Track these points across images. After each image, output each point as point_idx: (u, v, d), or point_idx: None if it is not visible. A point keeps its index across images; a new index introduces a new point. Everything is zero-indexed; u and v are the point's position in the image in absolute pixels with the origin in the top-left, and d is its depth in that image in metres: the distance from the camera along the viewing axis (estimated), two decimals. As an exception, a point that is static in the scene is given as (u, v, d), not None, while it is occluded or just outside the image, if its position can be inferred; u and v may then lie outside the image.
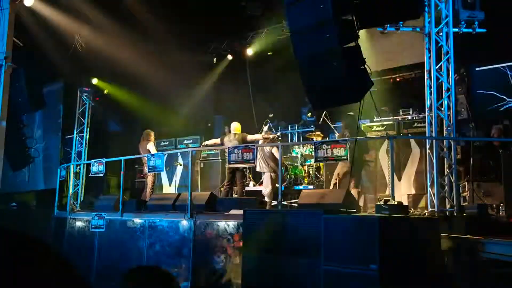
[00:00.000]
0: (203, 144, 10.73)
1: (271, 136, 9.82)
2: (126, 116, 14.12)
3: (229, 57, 14.44)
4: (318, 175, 10.91)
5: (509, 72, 9.52)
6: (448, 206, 7.25)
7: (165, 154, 9.12)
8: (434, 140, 7.48)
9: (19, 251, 1.19)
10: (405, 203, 7.75)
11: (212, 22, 12.23)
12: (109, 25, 11.06)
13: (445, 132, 7.56)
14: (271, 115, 10.00)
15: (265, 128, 10.15)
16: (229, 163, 8.24)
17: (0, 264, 1.11)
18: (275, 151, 9.40)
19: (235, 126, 9.82)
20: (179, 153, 11.94)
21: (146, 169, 10.02)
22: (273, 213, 7.44)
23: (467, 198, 8.07)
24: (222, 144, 9.89)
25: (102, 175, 9.93)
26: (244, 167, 9.93)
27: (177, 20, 11.57)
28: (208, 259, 7.42)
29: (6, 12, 8.84)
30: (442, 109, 7.56)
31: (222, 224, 7.38)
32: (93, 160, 10.19)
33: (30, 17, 10.44)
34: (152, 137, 10.89)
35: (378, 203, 6.56)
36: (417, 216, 7.23)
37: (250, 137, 9.67)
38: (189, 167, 9.46)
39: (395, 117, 10.68)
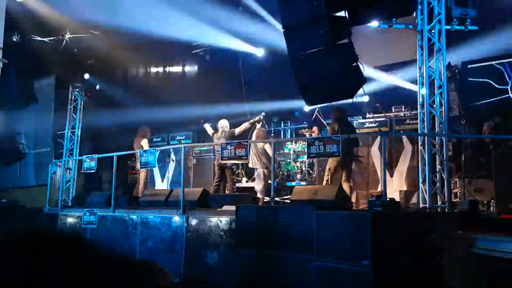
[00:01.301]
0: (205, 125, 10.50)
1: (257, 118, 9.82)
2: (118, 112, 14.03)
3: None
4: (311, 171, 10.93)
5: (502, 68, 9.58)
6: (439, 203, 7.30)
7: (157, 150, 9.09)
8: (426, 137, 7.52)
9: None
10: (397, 199, 7.80)
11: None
12: (100, 20, 10.97)
13: (437, 129, 7.60)
14: (263, 113, 9.95)
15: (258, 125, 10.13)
16: (222, 159, 8.23)
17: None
18: (267, 147, 9.40)
19: (223, 124, 9.81)
20: (171, 149, 11.90)
21: (138, 165, 9.99)
22: (265, 209, 7.44)
23: (458, 195, 8.12)
24: (213, 139, 9.93)
25: (94, 171, 9.88)
26: (233, 164, 9.92)
27: (170, 15, 11.49)
28: (200, 255, 7.41)
29: (-4, 7, 8.75)
30: (434, 106, 7.60)
31: (214, 220, 7.37)
32: (84, 156, 10.12)
33: (21, 11, 10.33)
34: (148, 134, 10.87)
35: (370, 199, 6.59)
36: (409, 212, 7.26)
37: (238, 130, 9.68)
38: (181, 163, 9.43)
39: (387, 114, 10.73)
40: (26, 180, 13.97)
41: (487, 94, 9.70)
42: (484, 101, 9.68)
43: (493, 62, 9.63)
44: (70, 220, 9.98)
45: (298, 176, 10.98)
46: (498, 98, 9.57)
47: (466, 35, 7.92)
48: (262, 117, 9.91)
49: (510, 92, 9.52)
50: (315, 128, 11.17)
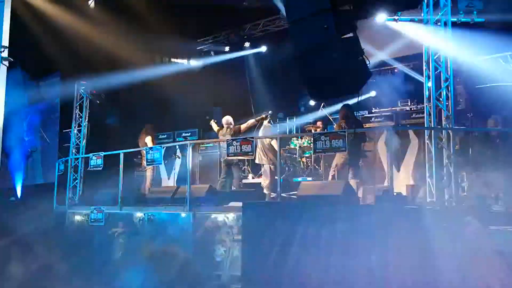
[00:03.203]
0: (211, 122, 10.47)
1: (263, 115, 9.80)
2: (124, 109, 14.04)
3: (227, 48, 14.38)
4: (317, 167, 10.91)
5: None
6: (447, 197, 7.26)
7: (163, 147, 9.09)
8: (433, 131, 7.47)
9: None
10: (404, 194, 7.76)
11: (210, 14, 12.16)
12: (106, 17, 10.97)
13: (443, 123, 7.55)
14: (270, 111, 9.92)
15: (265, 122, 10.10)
16: (228, 155, 8.21)
17: None
18: (274, 143, 9.38)
19: (227, 120, 9.79)
20: (177, 146, 11.90)
21: (144, 163, 9.99)
22: (272, 205, 7.44)
23: (466, 189, 8.07)
24: (218, 136, 9.92)
25: (100, 168, 9.90)
26: (239, 160, 9.91)
27: (175, 13, 11.49)
28: (207, 251, 7.42)
29: (1, 5, 8.77)
30: (441, 99, 7.55)
31: (221, 216, 7.37)
32: (91, 154, 10.15)
33: (26, 10, 10.36)
34: (152, 132, 10.87)
35: (377, 194, 6.56)
36: (416, 206, 7.23)
37: (243, 126, 9.65)
38: (187, 160, 9.40)
39: (393, 108, 10.68)
40: (34, 178, 14.06)
41: (493, 87, 9.60)
42: (491, 94, 9.57)
43: (501, 54, 9.52)
44: (77, 217, 10.03)
45: (305, 171, 10.96)
46: (506, 91, 9.46)
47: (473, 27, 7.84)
48: (268, 114, 9.89)
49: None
50: (319, 123, 11.15)
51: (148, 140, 10.53)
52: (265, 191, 9.45)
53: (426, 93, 7.73)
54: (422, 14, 7.78)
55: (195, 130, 12.81)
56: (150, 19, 11.37)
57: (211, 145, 11.89)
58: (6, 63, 8.86)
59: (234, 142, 7.88)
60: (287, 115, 13.45)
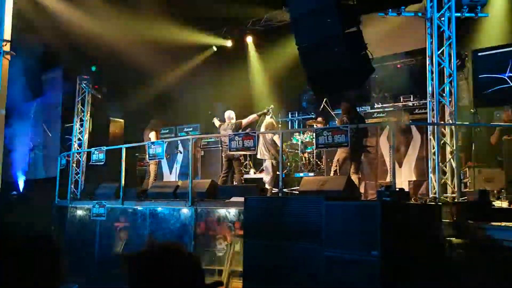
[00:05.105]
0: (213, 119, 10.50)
1: (265, 110, 9.79)
2: (126, 104, 14.05)
3: (229, 43, 14.34)
4: (319, 162, 10.88)
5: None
6: (449, 192, 7.24)
7: (165, 142, 9.08)
8: (435, 126, 7.44)
9: None
10: (406, 189, 7.74)
11: (212, 8, 12.12)
12: (108, 11, 10.94)
13: (446, 118, 7.52)
14: (272, 106, 9.90)
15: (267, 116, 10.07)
16: (230, 151, 8.20)
17: None
18: (276, 138, 9.36)
19: (229, 115, 9.78)
20: (179, 141, 11.89)
21: (147, 157, 9.99)
22: (274, 200, 7.43)
23: (468, 184, 8.05)
24: (219, 131, 9.92)
25: (102, 163, 9.90)
26: (240, 155, 9.90)
27: (177, 7, 11.46)
28: (209, 246, 7.43)
29: (3, -1, 8.75)
30: (444, 95, 7.52)
31: (223, 211, 7.37)
32: (93, 148, 10.15)
33: (29, 3, 10.34)
34: (157, 127, 10.86)
35: (379, 189, 6.54)
36: (418, 202, 7.22)
37: (245, 121, 9.65)
38: (189, 155, 9.40)
39: (396, 104, 10.65)
40: (36, 173, 14.08)
41: (497, 82, 9.56)
42: (494, 89, 9.54)
43: (504, 50, 9.47)
44: (79, 212, 10.05)
45: (307, 167, 10.93)
46: (509, 86, 9.41)
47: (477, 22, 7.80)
48: (270, 109, 9.86)
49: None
50: (320, 119, 11.11)
51: (152, 135, 10.52)
52: (267, 186, 9.44)
53: (429, 88, 7.69)
54: (426, 9, 7.73)
55: (197, 125, 12.80)
56: (154, 14, 11.34)
57: (213, 140, 11.87)
58: (8, 57, 8.84)
59: (236, 137, 7.86)
60: (289, 110, 13.41)
